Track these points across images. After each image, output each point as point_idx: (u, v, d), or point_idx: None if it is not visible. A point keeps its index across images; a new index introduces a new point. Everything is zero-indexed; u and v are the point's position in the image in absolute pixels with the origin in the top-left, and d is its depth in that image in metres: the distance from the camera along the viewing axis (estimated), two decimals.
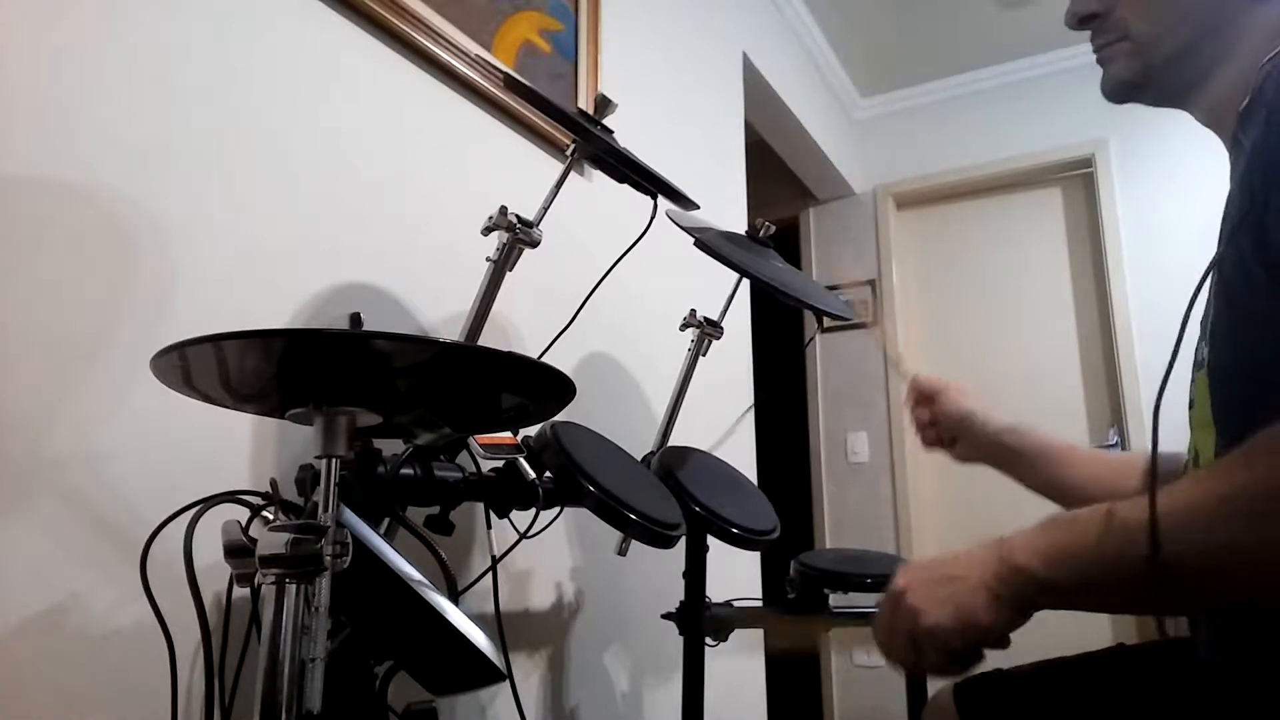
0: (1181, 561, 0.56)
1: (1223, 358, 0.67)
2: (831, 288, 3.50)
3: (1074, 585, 0.61)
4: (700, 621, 1.33)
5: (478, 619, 0.79)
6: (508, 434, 1.05)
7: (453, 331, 1.25)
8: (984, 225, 3.55)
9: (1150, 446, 0.61)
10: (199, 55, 1.05)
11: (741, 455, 2.23)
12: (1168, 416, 0.62)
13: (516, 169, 1.55)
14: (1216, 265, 0.66)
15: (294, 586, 0.66)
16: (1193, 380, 0.74)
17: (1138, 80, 0.78)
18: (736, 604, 1.38)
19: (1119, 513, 0.60)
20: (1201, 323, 0.72)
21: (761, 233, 1.39)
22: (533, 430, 1.09)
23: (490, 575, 1.04)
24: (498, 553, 1.08)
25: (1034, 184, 3.47)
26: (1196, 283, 0.63)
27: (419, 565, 0.79)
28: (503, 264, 1.05)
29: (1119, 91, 0.80)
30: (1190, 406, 0.77)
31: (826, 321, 3.48)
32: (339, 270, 1.19)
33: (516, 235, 1.04)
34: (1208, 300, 0.70)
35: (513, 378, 0.78)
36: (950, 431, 1.04)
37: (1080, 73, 3.32)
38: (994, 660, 0.90)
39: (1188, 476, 0.61)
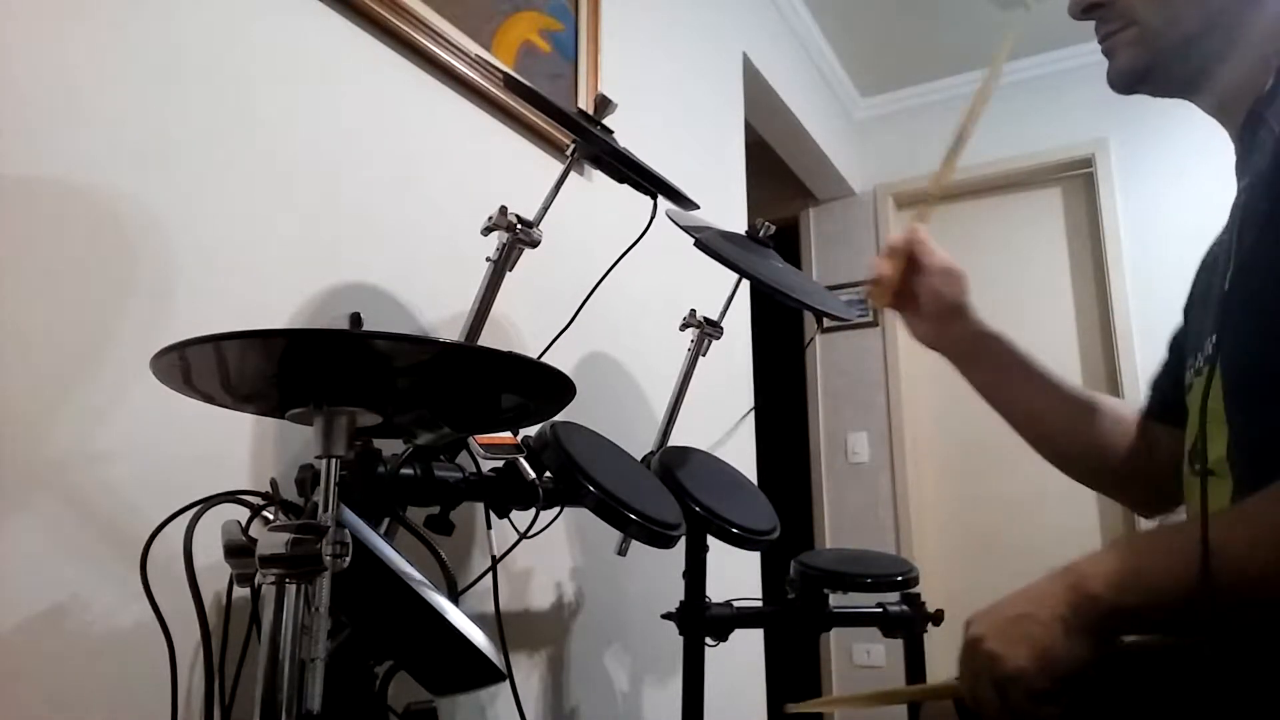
0: (1243, 586, 0.56)
1: (1241, 355, 0.66)
2: (832, 288, 3.50)
3: (1149, 609, 0.60)
4: (700, 621, 1.33)
5: (478, 619, 0.79)
6: (508, 434, 1.05)
7: (453, 331, 1.25)
8: (984, 225, 3.55)
9: (1199, 493, 0.59)
10: (199, 55, 1.06)
11: (741, 455, 2.23)
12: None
13: (516, 169, 1.55)
14: (1241, 259, 0.65)
15: (294, 586, 0.66)
16: (1199, 369, 0.73)
17: (1144, 69, 0.76)
18: (736, 604, 1.38)
19: (1184, 534, 0.59)
20: (1221, 307, 0.70)
21: (761, 233, 1.39)
22: (533, 430, 1.09)
23: (490, 575, 1.04)
24: (498, 553, 1.08)
25: (1034, 184, 3.47)
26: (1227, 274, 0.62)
27: (419, 565, 0.79)
28: (503, 264, 1.05)
29: (1125, 81, 0.78)
30: (1188, 390, 0.77)
31: (826, 322, 3.48)
32: (339, 270, 1.19)
33: (516, 235, 1.04)
34: (1224, 290, 0.68)
35: (513, 378, 0.78)
36: (931, 301, 0.94)
37: (1080, 73, 3.31)
38: None
39: (1247, 502, 0.60)
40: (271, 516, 0.76)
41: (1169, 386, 0.88)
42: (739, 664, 2.09)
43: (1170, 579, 0.59)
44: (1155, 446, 0.89)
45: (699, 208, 1.25)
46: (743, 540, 1.29)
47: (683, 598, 1.36)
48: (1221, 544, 0.56)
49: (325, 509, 0.68)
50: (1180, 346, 0.87)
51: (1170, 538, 0.61)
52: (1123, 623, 0.61)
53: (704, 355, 1.50)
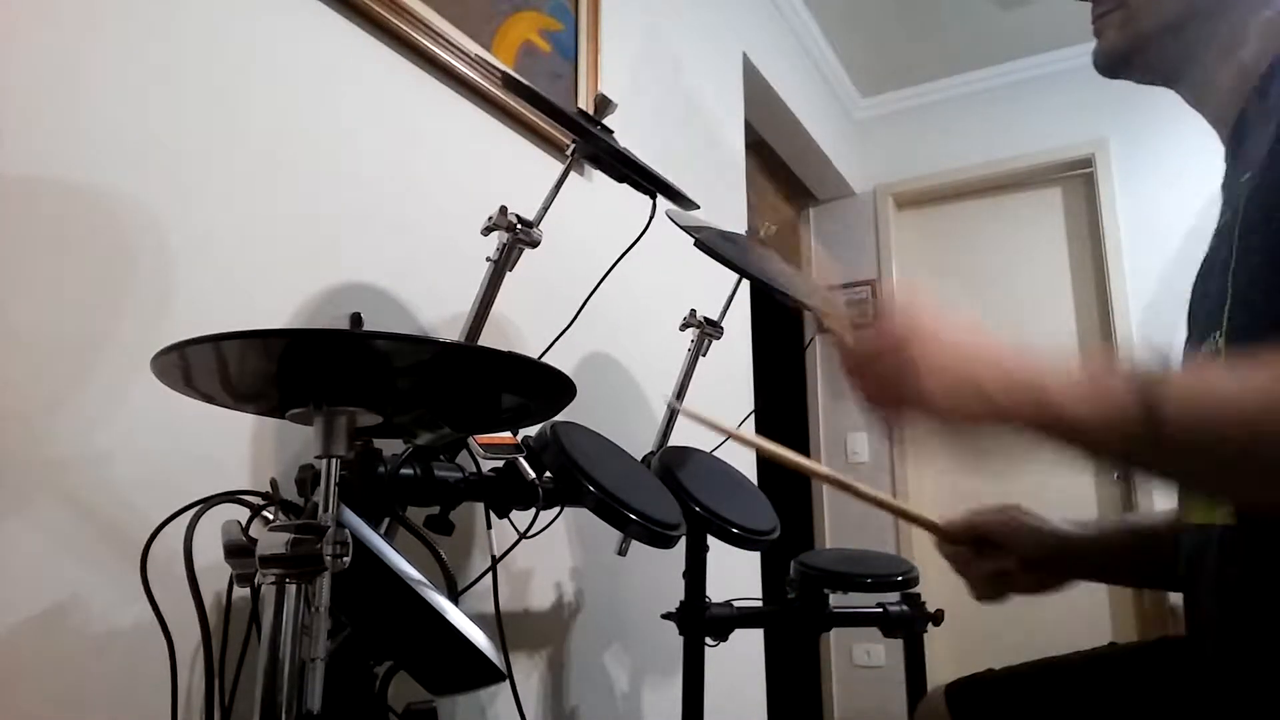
0: (1183, 432, 0.54)
1: (1243, 349, 0.64)
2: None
3: (1093, 430, 0.57)
4: (700, 621, 1.33)
5: (478, 619, 0.79)
6: (508, 434, 1.05)
7: (453, 331, 1.25)
8: (984, 225, 3.55)
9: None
10: (199, 55, 1.06)
11: (741, 455, 2.23)
12: None
13: (516, 169, 1.55)
14: (1240, 253, 0.64)
15: (294, 586, 0.66)
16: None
17: (1125, 52, 0.77)
18: (736, 604, 1.38)
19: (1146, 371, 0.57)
20: (1229, 300, 0.68)
21: (762, 233, 1.39)
22: (533, 430, 1.09)
23: (490, 575, 1.04)
24: (498, 553, 1.08)
25: (1034, 184, 3.47)
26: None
27: (419, 565, 0.79)
28: (503, 264, 1.05)
29: (1106, 61, 0.79)
30: None
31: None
32: (339, 270, 1.19)
33: (516, 235, 1.04)
34: (1225, 286, 0.67)
35: (513, 378, 0.78)
36: (1043, 560, 0.86)
37: (1080, 73, 3.31)
38: (990, 661, 0.90)
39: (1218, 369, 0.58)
40: (271, 516, 0.76)
41: None
42: (739, 664, 2.09)
43: (1120, 408, 0.56)
44: None
45: (699, 208, 1.25)
46: (743, 540, 1.29)
47: (683, 598, 1.36)
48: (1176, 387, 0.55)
49: (325, 509, 0.68)
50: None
51: (1136, 369, 0.58)
52: (1063, 436, 0.59)
53: (704, 355, 1.50)
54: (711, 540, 1.34)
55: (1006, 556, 0.86)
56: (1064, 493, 3.12)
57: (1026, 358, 0.61)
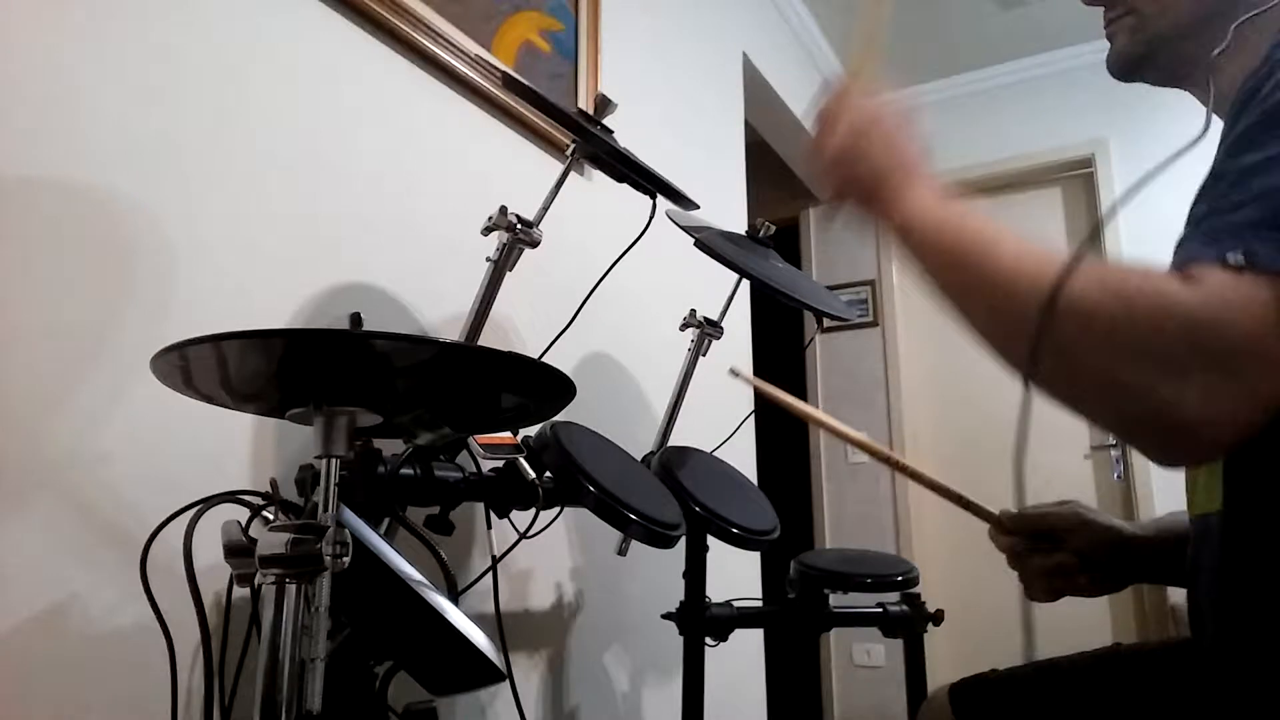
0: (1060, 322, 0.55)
1: None
2: (832, 288, 3.50)
3: (934, 252, 0.67)
4: (700, 621, 1.33)
5: (478, 619, 0.79)
6: (508, 434, 1.05)
7: (453, 331, 1.25)
8: None
9: None
10: (199, 55, 1.06)
11: (741, 455, 2.23)
12: None
13: (516, 169, 1.55)
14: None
15: (294, 586, 0.66)
16: None
17: (1139, 55, 0.78)
18: (736, 604, 1.38)
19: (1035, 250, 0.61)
20: None
21: (761, 233, 1.39)
22: (533, 430, 1.09)
23: (490, 575, 1.04)
24: (498, 553, 1.08)
25: (1034, 184, 3.47)
26: None
27: (419, 565, 0.79)
28: (503, 264, 1.05)
29: (1119, 66, 0.80)
30: None
31: (826, 322, 3.48)
32: (339, 270, 1.19)
33: (516, 235, 1.04)
34: None
35: (513, 378, 0.78)
36: (1104, 559, 0.83)
37: (1080, 73, 3.32)
38: (990, 661, 0.90)
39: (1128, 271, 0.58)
40: (271, 516, 0.76)
41: None
42: (739, 664, 2.09)
43: (959, 238, 0.65)
44: None
45: (699, 208, 1.25)
46: (743, 540, 1.29)
47: (683, 598, 1.36)
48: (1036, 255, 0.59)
49: (325, 509, 0.68)
50: None
51: (998, 226, 0.64)
52: (905, 239, 0.69)
53: (704, 355, 1.50)
54: (711, 540, 1.34)
55: (1064, 552, 0.83)
56: (1064, 494, 3.12)
57: (910, 161, 0.73)
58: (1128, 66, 0.79)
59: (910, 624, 1.40)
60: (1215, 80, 0.76)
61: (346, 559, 0.68)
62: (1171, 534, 0.86)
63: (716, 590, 1.39)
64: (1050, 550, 0.83)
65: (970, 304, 0.65)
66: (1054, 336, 0.56)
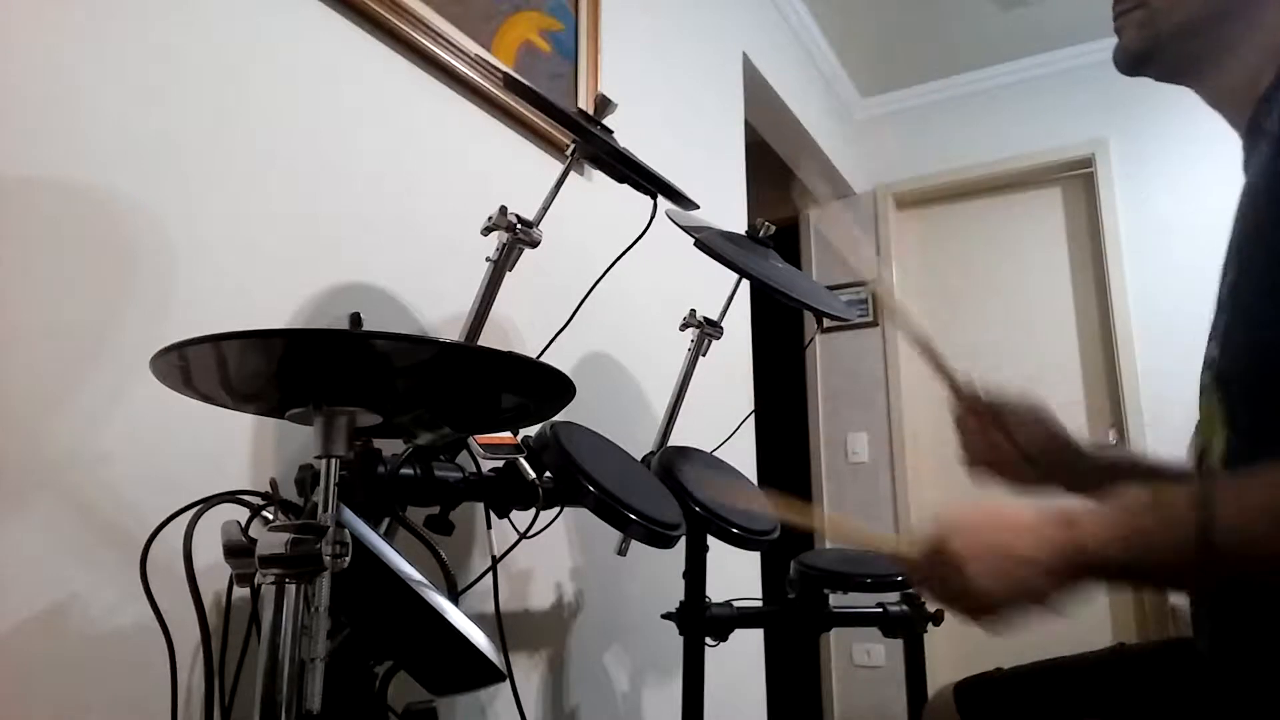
0: (1238, 556, 0.57)
1: (1239, 363, 0.67)
2: (832, 288, 3.50)
3: (1140, 567, 0.62)
4: (700, 621, 1.33)
5: (478, 619, 0.79)
6: (508, 434, 1.05)
7: (453, 331, 1.25)
8: (984, 225, 3.55)
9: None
10: (199, 55, 1.05)
11: (741, 455, 2.23)
12: (1165, 417, 0.62)
13: (516, 169, 1.55)
14: (1232, 265, 0.65)
15: (294, 586, 0.66)
16: (1204, 380, 0.74)
17: (1146, 50, 0.77)
18: (736, 604, 1.38)
19: (1181, 497, 0.60)
20: (1221, 316, 0.70)
21: (761, 233, 1.39)
22: (533, 430, 1.09)
23: (490, 575, 1.04)
24: (498, 553, 1.08)
25: (1034, 184, 3.47)
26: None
27: (419, 565, 0.79)
28: (503, 264, 1.05)
29: (1127, 60, 0.79)
30: (1201, 393, 0.76)
31: (826, 322, 3.48)
32: (339, 270, 1.19)
33: (516, 235, 1.04)
34: (1219, 298, 0.69)
35: (512, 378, 0.78)
36: (1039, 455, 0.87)
37: (1080, 73, 3.31)
38: (990, 662, 0.90)
39: (1248, 478, 0.60)
40: (271, 516, 0.76)
41: None
42: (739, 664, 2.09)
43: (1165, 542, 0.60)
44: None
45: (699, 208, 1.25)
46: (743, 540, 1.29)
47: (683, 598, 1.36)
48: (1222, 514, 0.57)
49: (325, 509, 0.68)
50: None
51: (1170, 499, 0.61)
52: (1110, 576, 0.63)
53: (704, 355, 1.50)
54: (711, 540, 1.34)
55: (1011, 441, 0.87)
56: (1063, 495, 3.12)
57: (1052, 515, 0.64)
58: (1135, 61, 0.78)
59: (910, 624, 1.40)
60: (1220, 77, 0.75)
61: (346, 559, 0.68)
62: (1124, 467, 0.88)
63: (716, 590, 1.39)
64: (998, 432, 0.88)
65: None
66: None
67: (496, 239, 1.05)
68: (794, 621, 1.41)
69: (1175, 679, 0.76)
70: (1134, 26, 0.77)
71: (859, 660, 3.34)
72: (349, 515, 0.76)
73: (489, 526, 1.08)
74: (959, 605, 0.66)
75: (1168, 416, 2.89)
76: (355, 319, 0.99)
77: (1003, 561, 0.63)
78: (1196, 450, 0.76)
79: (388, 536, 0.92)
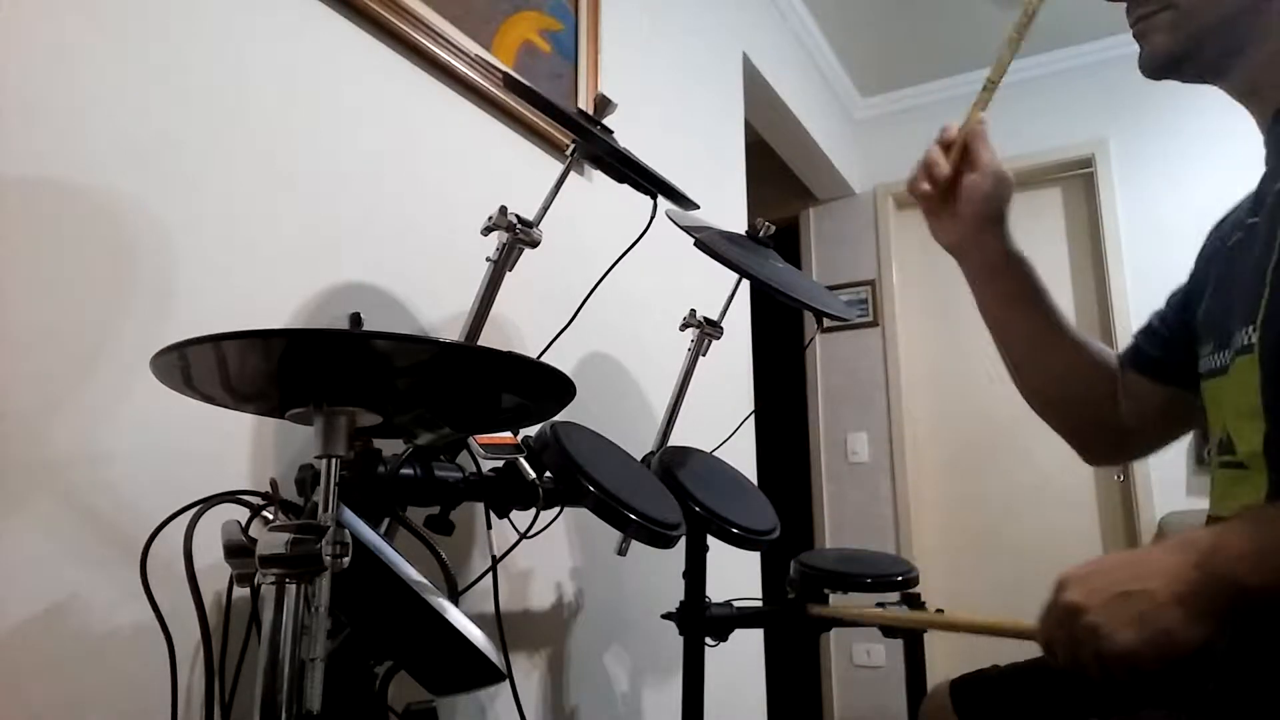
0: None
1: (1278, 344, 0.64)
2: (832, 288, 3.50)
3: None
4: (700, 621, 1.33)
5: (478, 619, 0.79)
6: (508, 434, 1.05)
7: (453, 331, 1.25)
8: None
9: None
10: (199, 55, 1.06)
11: (741, 455, 2.23)
12: None
13: (516, 169, 1.55)
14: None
15: (294, 586, 0.66)
16: (1227, 366, 0.72)
17: (1180, 54, 0.74)
18: (736, 604, 1.38)
19: None
20: (1268, 299, 0.67)
21: (761, 233, 1.39)
22: (533, 430, 1.09)
23: (490, 575, 1.04)
24: (498, 553, 1.08)
25: (1034, 184, 3.47)
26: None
27: (419, 565, 0.79)
28: (503, 264, 1.05)
29: (1159, 64, 0.76)
30: (1208, 376, 0.75)
31: (826, 322, 3.48)
32: (339, 270, 1.19)
33: (516, 235, 1.04)
34: (1269, 281, 0.66)
35: (512, 378, 0.78)
36: (974, 203, 0.88)
37: (1080, 73, 3.31)
38: (989, 661, 0.90)
39: None
40: (271, 516, 0.76)
41: (1159, 341, 0.87)
42: (739, 664, 2.09)
43: None
44: (1127, 396, 0.89)
45: (699, 208, 1.25)
46: (743, 540, 1.29)
47: (683, 598, 1.36)
48: None
49: (325, 509, 0.68)
50: (1184, 308, 0.85)
51: None
52: (1253, 604, 0.56)
53: (704, 355, 1.50)
54: (711, 540, 1.34)
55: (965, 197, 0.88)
56: (1063, 495, 3.12)
57: (1174, 542, 0.59)
58: (1168, 64, 0.76)
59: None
60: (1248, 71, 0.73)
61: (346, 559, 0.68)
62: (1054, 315, 0.90)
63: (716, 590, 1.39)
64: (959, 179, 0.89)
65: None
66: None
67: (496, 239, 1.05)
68: (794, 621, 1.41)
69: (1172, 675, 0.76)
70: (1163, 30, 0.74)
71: (859, 660, 3.34)
72: (349, 515, 0.76)
73: (489, 526, 1.08)
74: (1090, 659, 0.58)
75: None
76: (355, 319, 0.99)
77: (1122, 602, 0.57)
78: (1216, 443, 0.75)
79: (388, 536, 0.92)
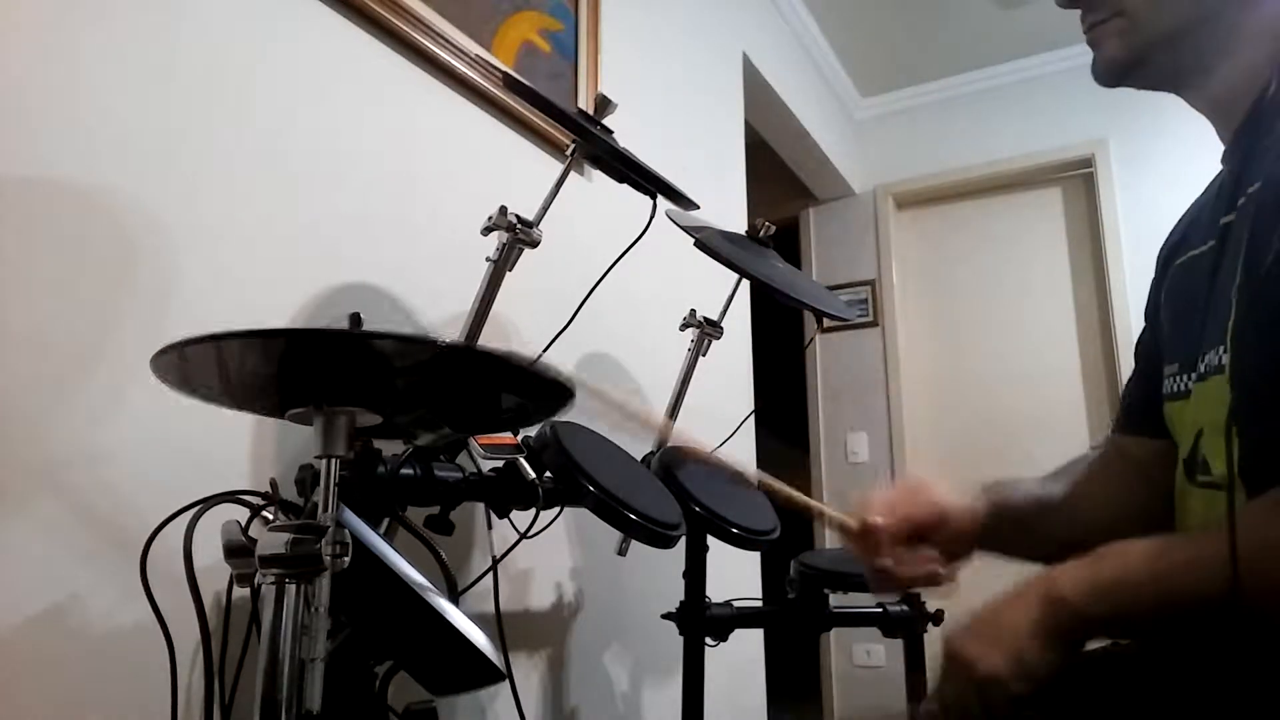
0: (1265, 596, 0.57)
1: (1250, 363, 0.64)
2: (832, 288, 3.50)
3: (1117, 618, 0.62)
4: (700, 621, 1.33)
5: (478, 619, 0.79)
6: (508, 434, 1.05)
7: (453, 331, 1.25)
8: (984, 225, 3.55)
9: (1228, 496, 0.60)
10: (199, 55, 1.06)
11: (742, 455, 2.23)
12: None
13: (516, 169, 1.55)
14: (1245, 268, 0.63)
15: (294, 586, 0.66)
16: (1191, 387, 0.72)
17: (1131, 60, 0.75)
18: (736, 604, 1.38)
19: (1191, 549, 0.61)
20: (1235, 317, 0.67)
21: (761, 233, 1.39)
22: (533, 430, 1.09)
23: (490, 575, 1.04)
24: (498, 553, 1.08)
25: (1034, 184, 3.47)
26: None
27: (419, 565, 0.79)
28: (502, 264, 1.05)
29: (1110, 72, 0.76)
30: (1171, 398, 0.76)
31: (826, 322, 3.48)
32: (339, 270, 1.19)
33: (516, 235, 1.04)
34: (1234, 299, 0.66)
35: (512, 378, 0.78)
36: (949, 548, 0.87)
37: (1080, 73, 3.29)
38: None
39: (1261, 509, 0.59)
40: (271, 516, 0.76)
41: (1140, 397, 0.87)
42: (739, 664, 2.09)
43: (1160, 589, 0.61)
44: (1124, 458, 0.89)
45: (699, 208, 1.25)
46: (743, 540, 1.29)
47: (683, 598, 1.36)
48: (1202, 557, 0.58)
49: (325, 509, 0.68)
50: (1151, 355, 0.85)
51: (1161, 551, 0.62)
52: (1091, 630, 0.63)
53: (704, 355, 1.50)
54: (711, 540, 1.34)
55: (933, 555, 0.87)
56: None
57: (1033, 578, 0.65)
58: (1119, 72, 0.76)
59: (910, 624, 1.40)
60: (1209, 83, 0.74)
61: (346, 559, 0.68)
62: (1023, 505, 0.89)
63: (716, 590, 1.39)
64: (919, 550, 0.87)
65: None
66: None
67: (496, 239, 1.05)
68: (794, 621, 1.41)
69: (1176, 675, 0.76)
70: (1114, 36, 0.74)
71: (859, 660, 3.35)
72: (349, 515, 0.76)
73: (489, 526, 1.08)
74: (976, 699, 0.65)
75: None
76: (355, 319, 0.99)
77: (987, 628, 0.65)
78: (1182, 459, 0.75)
79: (388, 536, 0.92)
